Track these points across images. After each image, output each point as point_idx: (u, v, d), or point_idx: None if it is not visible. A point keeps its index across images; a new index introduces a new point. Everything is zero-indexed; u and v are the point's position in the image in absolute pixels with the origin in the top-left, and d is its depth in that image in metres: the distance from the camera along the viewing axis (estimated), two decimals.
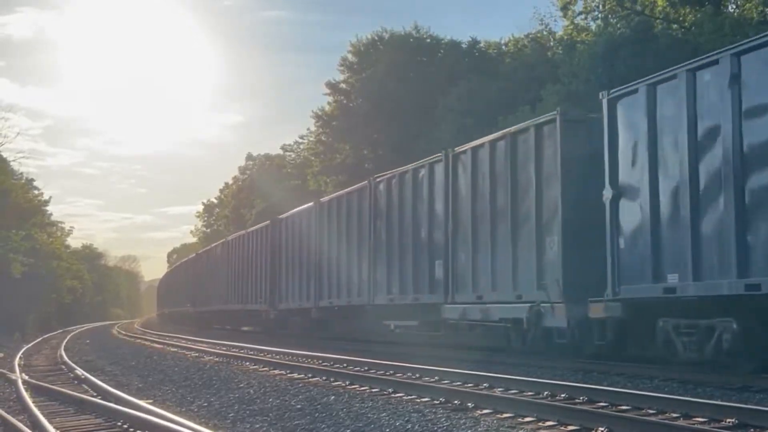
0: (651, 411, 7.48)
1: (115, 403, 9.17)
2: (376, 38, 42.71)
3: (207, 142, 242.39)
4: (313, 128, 48.31)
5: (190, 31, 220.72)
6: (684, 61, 10.87)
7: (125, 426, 7.83)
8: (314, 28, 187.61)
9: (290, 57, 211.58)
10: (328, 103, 44.84)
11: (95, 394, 10.93)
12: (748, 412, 6.89)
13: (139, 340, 29.38)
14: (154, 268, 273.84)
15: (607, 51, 22.96)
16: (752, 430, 6.52)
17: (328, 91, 44.60)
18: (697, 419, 6.98)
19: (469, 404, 8.36)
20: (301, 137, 56.03)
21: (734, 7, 24.05)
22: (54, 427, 7.71)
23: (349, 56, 43.62)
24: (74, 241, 76.11)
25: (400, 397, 9.48)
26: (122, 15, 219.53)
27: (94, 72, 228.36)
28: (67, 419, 8.67)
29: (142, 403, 9.08)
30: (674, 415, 7.22)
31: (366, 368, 12.98)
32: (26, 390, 11.09)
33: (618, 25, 25.67)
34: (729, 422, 6.71)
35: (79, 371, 14.10)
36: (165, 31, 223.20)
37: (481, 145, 14.91)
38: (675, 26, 25.23)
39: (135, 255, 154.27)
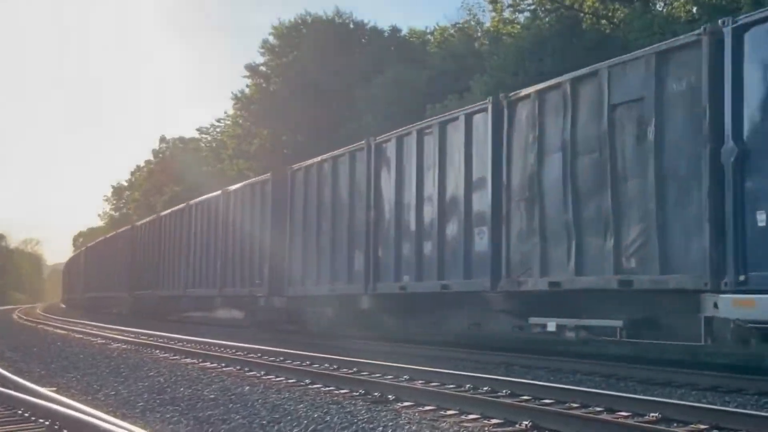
0: (575, 405, 7.41)
1: (15, 391, 8.59)
2: (299, 22, 42.10)
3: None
4: (230, 111, 47.45)
5: (94, 10, 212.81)
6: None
7: (26, 414, 7.29)
8: (233, 8, 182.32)
9: (207, 37, 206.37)
10: (247, 86, 44.06)
11: None
12: (671, 406, 6.90)
13: (41, 326, 28.19)
14: (57, 252, 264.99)
15: (535, 45, 23.05)
16: (675, 425, 6.49)
17: (247, 73, 43.82)
18: (621, 413, 6.94)
19: (390, 396, 8.14)
20: (218, 120, 54.87)
21: (663, 5, 24.41)
22: None
23: (271, 39, 42.93)
24: None
25: (318, 388, 9.20)
26: None
27: None
28: None
29: (44, 390, 8.53)
30: (598, 409, 7.16)
31: (282, 358, 12.63)
32: None
33: (546, 20, 25.81)
34: (652, 416, 6.68)
35: None
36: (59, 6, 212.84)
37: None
38: (604, 22, 25.53)
39: (37, 238, 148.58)
